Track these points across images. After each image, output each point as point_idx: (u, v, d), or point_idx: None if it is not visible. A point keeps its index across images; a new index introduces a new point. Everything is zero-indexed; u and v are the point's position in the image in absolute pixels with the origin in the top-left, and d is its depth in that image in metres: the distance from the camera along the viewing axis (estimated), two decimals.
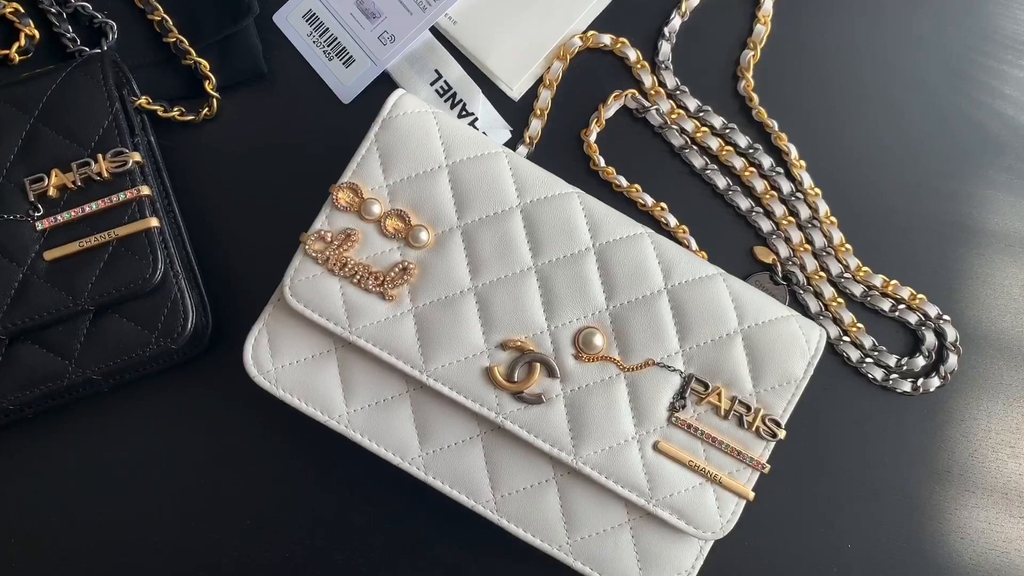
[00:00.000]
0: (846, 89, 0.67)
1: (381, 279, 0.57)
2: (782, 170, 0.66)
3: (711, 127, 0.66)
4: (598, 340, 0.57)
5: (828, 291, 0.65)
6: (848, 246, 0.66)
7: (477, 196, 0.58)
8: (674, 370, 0.57)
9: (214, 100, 0.64)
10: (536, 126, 0.66)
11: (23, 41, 0.63)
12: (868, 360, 0.65)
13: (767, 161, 0.66)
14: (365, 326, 0.57)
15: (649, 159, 0.66)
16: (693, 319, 0.57)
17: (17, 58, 0.63)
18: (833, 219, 0.66)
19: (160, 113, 0.63)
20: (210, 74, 0.64)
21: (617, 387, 0.57)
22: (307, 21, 0.65)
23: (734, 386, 0.57)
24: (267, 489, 0.62)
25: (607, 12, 0.67)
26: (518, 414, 0.56)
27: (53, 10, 0.63)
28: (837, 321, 0.65)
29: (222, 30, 0.64)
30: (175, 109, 0.64)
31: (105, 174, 0.56)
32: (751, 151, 0.66)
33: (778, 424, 0.57)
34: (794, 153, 0.66)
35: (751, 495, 0.56)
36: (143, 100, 0.62)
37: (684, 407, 0.57)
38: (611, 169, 0.65)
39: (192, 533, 0.62)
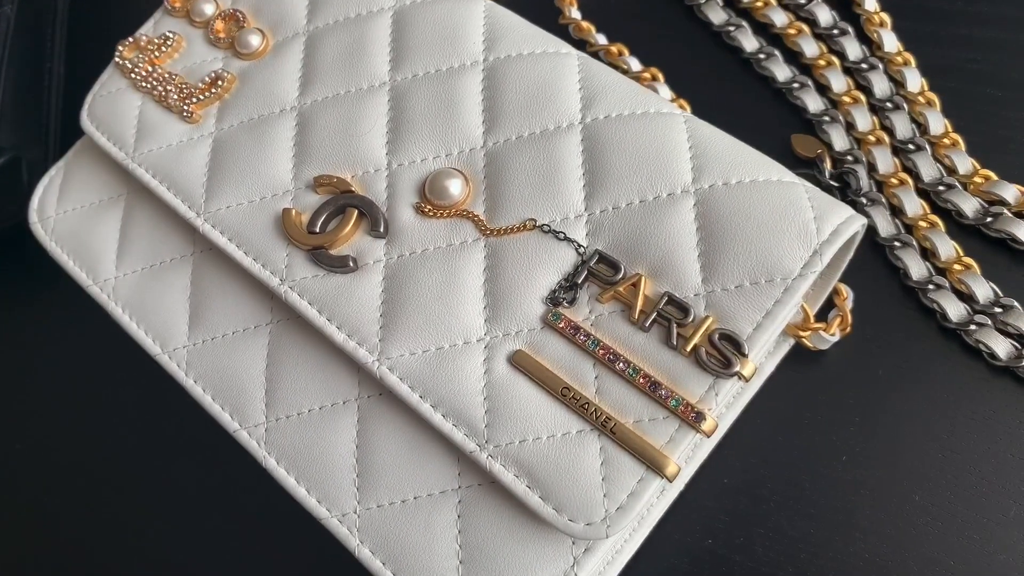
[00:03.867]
0: None
1: (188, 92, 0.41)
2: (849, 28, 0.42)
3: None
4: (456, 187, 0.35)
5: (914, 204, 0.38)
6: (957, 137, 0.39)
7: None
8: (567, 239, 0.34)
9: None
10: None
11: None
12: (982, 322, 0.36)
13: (824, 16, 0.42)
14: (151, 151, 0.40)
15: (648, 17, 0.46)
16: (614, 169, 0.34)
17: None
18: (931, 96, 0.40)
19: None
20: None
21: (468, 258, 0.34)
22: None
23: (667, 276, 0.32)
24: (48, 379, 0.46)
25: None
26: (311, 283, 0.36)
27: None
28: (929, 254, 0.38)
29: None
30: None
31: None
32: (801, 2, 0.43)
33: (738, 346, 0.31)
34: (872, 3, 0.42)
35: (672, 468, 0.30)
36: None
37: (574, 301, 0.33)
38: (588, 24, 0.45)
39: None
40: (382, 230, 0.36)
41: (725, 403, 0.32)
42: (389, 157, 0.37)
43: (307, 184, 0.37)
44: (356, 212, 0.36)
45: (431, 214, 0.35)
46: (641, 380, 0.31)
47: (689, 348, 0.31)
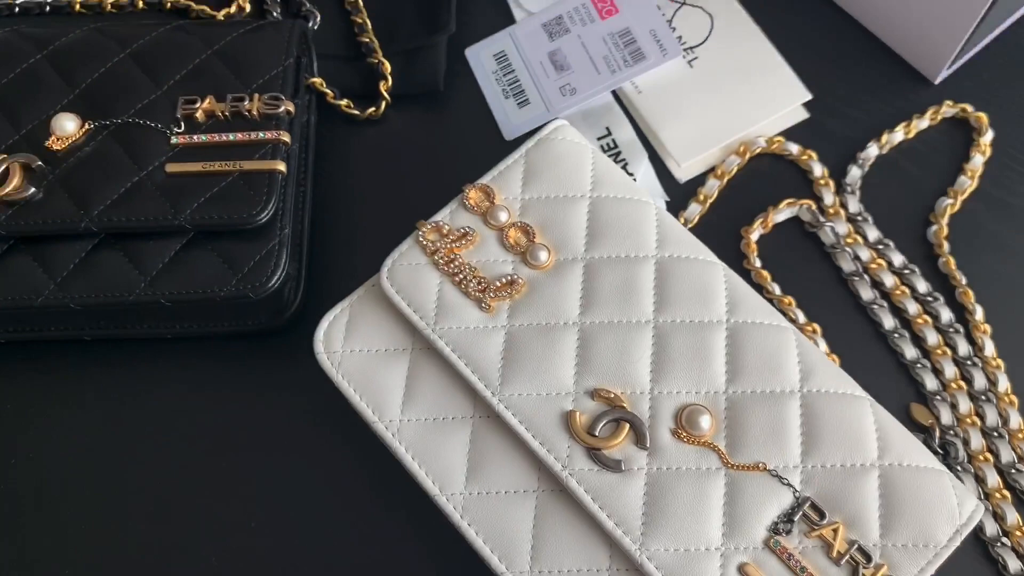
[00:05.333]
0: None
1: (485, 286, 0.51)
2: (961, 329, 0.57)
3: (889, 262, 0.59)
4: (705, 422, 0.47)
5: (993, 478, 0.53)
6: None
7: (612, 235, 0.52)
8: (788, 484, 0.46)
9: (383, 102, 0.63)
10: (694, 210, 0.60)
11: (234, 8, 0.66)
12: None
13: (946, 314, 0.57)
14: (451, 328, 0.50)
15: (811, 277, 0.59)
16: (824, 435, 0.47)
17: (219, 18, 0.65)
18: (1013, 398, 0.55)
19: (329, 99, 0.63)
20: (389, 76, 0.63)
21: (713, 483, 0.47)
22: (496, 59, 0.65)
23: (856, 528, 0.46)
24: (286, 484, 0.55)
25: (800, 126, 0.63)
26: (587, 475, 0.47)
27: None
28: (998, 517, 0.53)
29: (415, 40, 0.64)
30: (344, 100, 0.63)
31: (255, 113, 0.56)
32: (929, 299, 0.57)
33: None
34: (980, 314, 0.57)
35: None
36: (317, 80, 0.62)
37: (789, 532, 0.46)
38: (767, 273, 0.58)
39: (191, 507, 0.54)
40: (647, 445, 0.47)
41: None
42: (652, 384, 0.49)
43: (586, 391, 0.49)
44: (628, 425, 0.48)
45: (684, 440, 0.47)
46: None
47: None
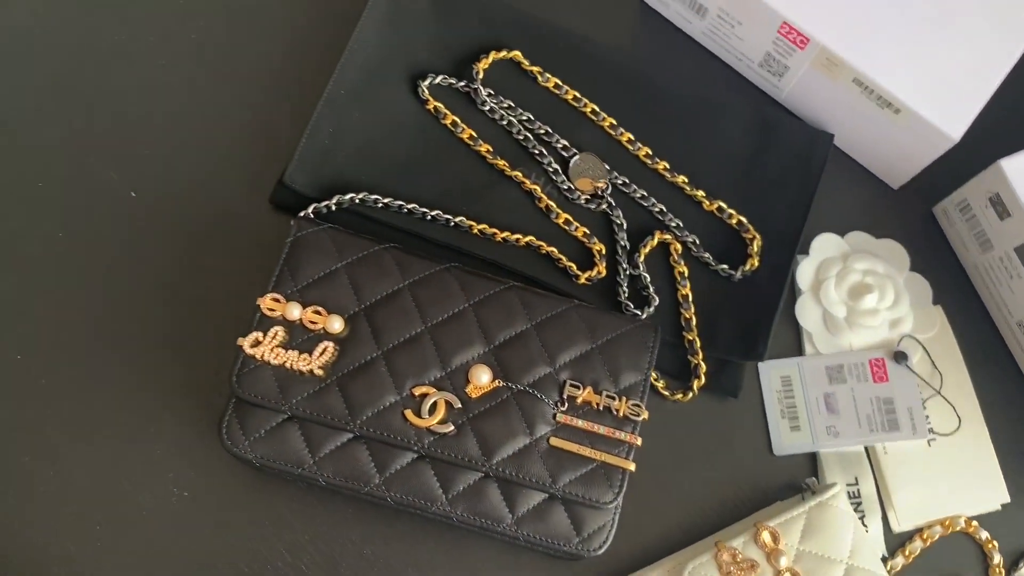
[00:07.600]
0: None
1: None
2: None
3: None
4: None
5: None
6: None
7: None
8: None
9: (691, 393, 0.81)
10: (898, 562, 0.79)
11: (594, 273, 0.82)
12: None
13: None
14: None
15: None
16: None
17: (582, 279, 0.82)
18: None
19: (652, 379, 0.80)
20: (703, 376, 0.81)
21: None
22: (781, 380, 0.82)
23: None
24: None
25: (991, 515, 0.81)
26: None
27: (624, 266, 0.83)
28: None
29: (729, 354, 0.81)
30: (662, 381, 0.81)
31: (620, 413, 0.73)
32: None
33: None
34: None
35: None
36: None
37: None
38: None
39: None
40: None
41: None
42: None
43: None
44: None
45: None
46: None
47: None
